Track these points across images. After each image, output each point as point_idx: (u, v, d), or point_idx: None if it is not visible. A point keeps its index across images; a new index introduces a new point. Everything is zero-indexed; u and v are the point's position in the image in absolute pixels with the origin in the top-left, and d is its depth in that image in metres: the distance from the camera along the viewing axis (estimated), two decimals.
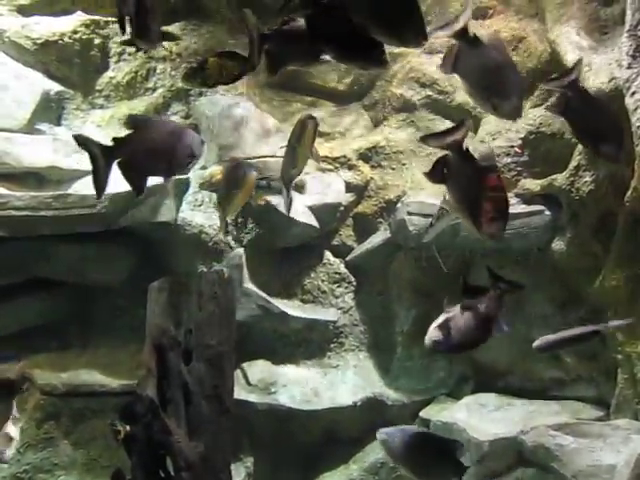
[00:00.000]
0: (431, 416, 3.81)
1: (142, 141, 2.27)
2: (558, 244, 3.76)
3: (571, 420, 3.50)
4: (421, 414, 3.87)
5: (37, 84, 4.10)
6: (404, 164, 4.18)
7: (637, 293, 3.36)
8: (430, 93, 4.19)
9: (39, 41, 4.15)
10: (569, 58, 3.67)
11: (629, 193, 3.28)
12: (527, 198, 3.82)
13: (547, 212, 3.77)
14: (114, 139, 2.26)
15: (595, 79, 3.45)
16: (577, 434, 3.34)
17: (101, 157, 2.22)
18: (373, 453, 3.89)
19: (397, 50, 4.34)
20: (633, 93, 3.10)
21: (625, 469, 3.15)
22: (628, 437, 3.28)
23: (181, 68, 4.09)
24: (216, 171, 3.78)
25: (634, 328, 3.37)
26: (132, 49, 4.26)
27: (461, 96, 4.19)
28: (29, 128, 4.01)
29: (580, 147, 3.56)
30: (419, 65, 4.27)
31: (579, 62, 2.54)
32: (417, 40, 1.83)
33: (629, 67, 3.13)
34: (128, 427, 2.61)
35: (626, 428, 3.34)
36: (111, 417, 2.74)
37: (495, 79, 2.16)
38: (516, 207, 3.77)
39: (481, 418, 3.66)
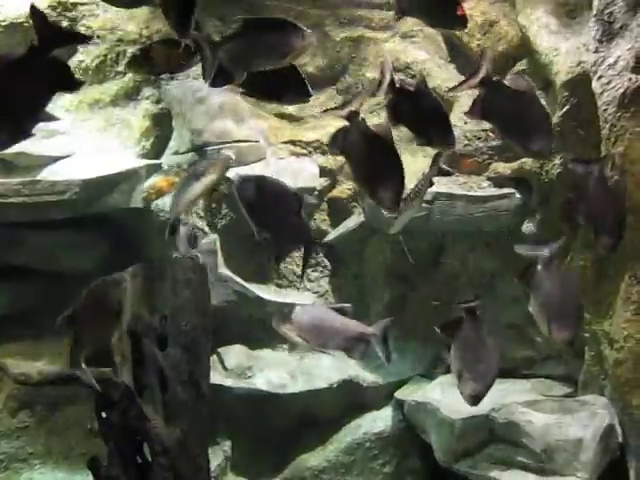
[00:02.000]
0: (406, 396, 3.87)
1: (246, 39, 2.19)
2: (528, 226, 3.83)
3: (540, 397, 3.59)
4: (396, 395, 3.94)
5: None
6: None
7: (603, 273, 3.45)
8: (403, 77, 4.20)
9: (4, 23, 4.05)
10: (539, 42, 3.72)
11: None
12: (498, 181, 3.88)
13: (517, 195, 3.83)
14: (223, 36, 2.22)
15: (563, 63, 3.50)
16: (546, 410, 3.44)
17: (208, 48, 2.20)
18: (350, 435, 3.95)
19: (370, 34, 4.35)
20: (600, 77, 3.16)
21: (592, 443, 3.26)
22: (595, 412, 3.39)
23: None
24: (158, 181, 3.67)
25: (599, 307, 3.47)
26: (101, 31, 4.22)
27: (434, 80, 4.21)
28: None
29: None
30: (392, 49, 4.27)
31: (605, 159, 2.68)
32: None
33: (596, 51, 3.18)
34: (104, 414, 2.61)
35: (592, 403, 3.45)
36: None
37: (522, 121, 2.30)
38: (487, 190, 3.83)
39: (454, 397, 3.69)
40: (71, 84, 2.10)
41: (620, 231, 2.49)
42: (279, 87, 2.27)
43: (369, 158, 2.25)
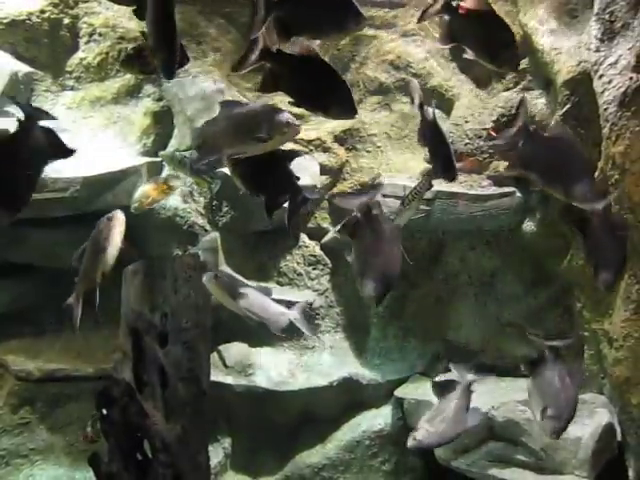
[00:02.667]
0: (405, 394, 3.88)
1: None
2: (528, 225, 3.84)
3: None
4: (396, 393, 3.95)
5: (5, 65, 4.01)
6: (379, 147, 4.20)
7: None
8: (404, 76, 4.21)
9: (5, 21, 4.05)
10: (540, 41, 3.72)
11: (596, 175, 3.36)
12: (499, 180, 3.89)
13: (518, 194, 3.84)
14: None
15: (564, 62, 3.50)
16: None
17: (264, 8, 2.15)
18: (349, 432, 3.96)
19: (371, 32, 4.35)
20: (601, 76, 3.16)
21: (590, 441, 3.27)
22: (593, 411, 3.40)
23: None
24: (149, 189, 3.53)
25: (599, 306, 3.47)
26: (103, 29, 4.22)
27: (435, 79, 4.22)
28: None
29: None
30: (394, 48, 4.27)
31: (609, 196, 2.74)
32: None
33: (597, 50, 3.18)
34: (105, 411, 2.62)
35: (591, 402, 3.46)
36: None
37: (563, 169, 2.40)
38: (488, 189, 3.84)
39: None
40: (64, 152, 2.16)
41: (620, 269, 2.53)
42: (327, 101, 2.24)
43: (371, 249, 2.34)
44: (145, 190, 3.53)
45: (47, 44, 4.15)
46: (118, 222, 2.72)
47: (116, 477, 2.62)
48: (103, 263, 2.67)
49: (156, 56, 2.10)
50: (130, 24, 4.22)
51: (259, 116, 2.36)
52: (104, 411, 2.63)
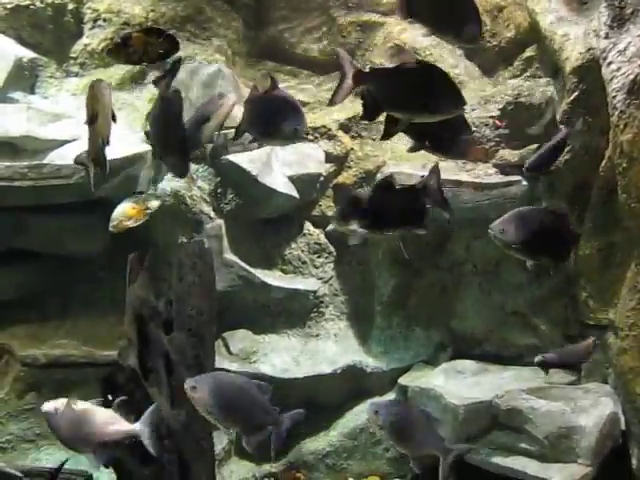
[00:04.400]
0: (409, 382, 3.89)
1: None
2: None
3: (544, 384, 3.60)
4: (400, 381, 3.95)
5: (9, 51, 3.99)
6: None
7: (609, 261, 3.44)
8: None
9: (10, 6, 4.03)
10: (548, 27, 3.68)
11: (604, 163, 3.34)
12: (504, 168, 3.86)
13: (524, 182, 3.81)
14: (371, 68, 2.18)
15: (573, 49, 3.47)
16: (549, 397, 3.44)
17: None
18: (353, 420, 3.97)
19: (377, 19, 4.31)
20: (609, 63, 3.12)
21: (594, 430, 3.28)
22: (597, 400, 3.40)
23: None
24: (128, 209, 3.42)
25: (604, 295, 3.46)
26: (108, 14, 4.20)
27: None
28: (2, 96, 3.91)
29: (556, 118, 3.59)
30: (399, 34, 4.23)
31: None
32: None
33: (606, 37, 3.15)
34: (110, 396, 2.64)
35: (596, 391, 3.46)
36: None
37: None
38: (493, 177, 3.82)
39: (458, 384, 3.75)
40: None
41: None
42: (448, 140, 2.29)
43: None
44: (124, 210, 3.47)
45: (51, 30, 4.13)
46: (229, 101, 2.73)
47: (122, 462, 2.65)
48: (206, 129, 2.70)
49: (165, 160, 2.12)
50: (135, 9, 4.19)
51: None
52: (109, 397, 2.65)
